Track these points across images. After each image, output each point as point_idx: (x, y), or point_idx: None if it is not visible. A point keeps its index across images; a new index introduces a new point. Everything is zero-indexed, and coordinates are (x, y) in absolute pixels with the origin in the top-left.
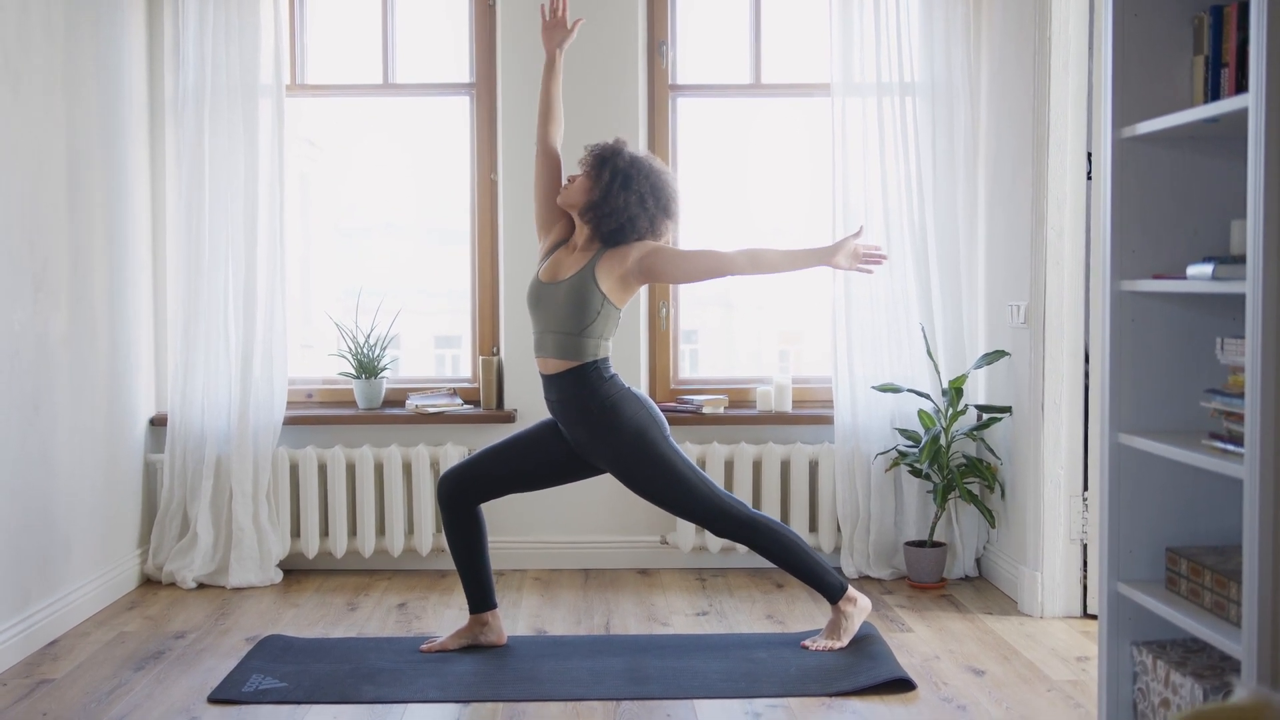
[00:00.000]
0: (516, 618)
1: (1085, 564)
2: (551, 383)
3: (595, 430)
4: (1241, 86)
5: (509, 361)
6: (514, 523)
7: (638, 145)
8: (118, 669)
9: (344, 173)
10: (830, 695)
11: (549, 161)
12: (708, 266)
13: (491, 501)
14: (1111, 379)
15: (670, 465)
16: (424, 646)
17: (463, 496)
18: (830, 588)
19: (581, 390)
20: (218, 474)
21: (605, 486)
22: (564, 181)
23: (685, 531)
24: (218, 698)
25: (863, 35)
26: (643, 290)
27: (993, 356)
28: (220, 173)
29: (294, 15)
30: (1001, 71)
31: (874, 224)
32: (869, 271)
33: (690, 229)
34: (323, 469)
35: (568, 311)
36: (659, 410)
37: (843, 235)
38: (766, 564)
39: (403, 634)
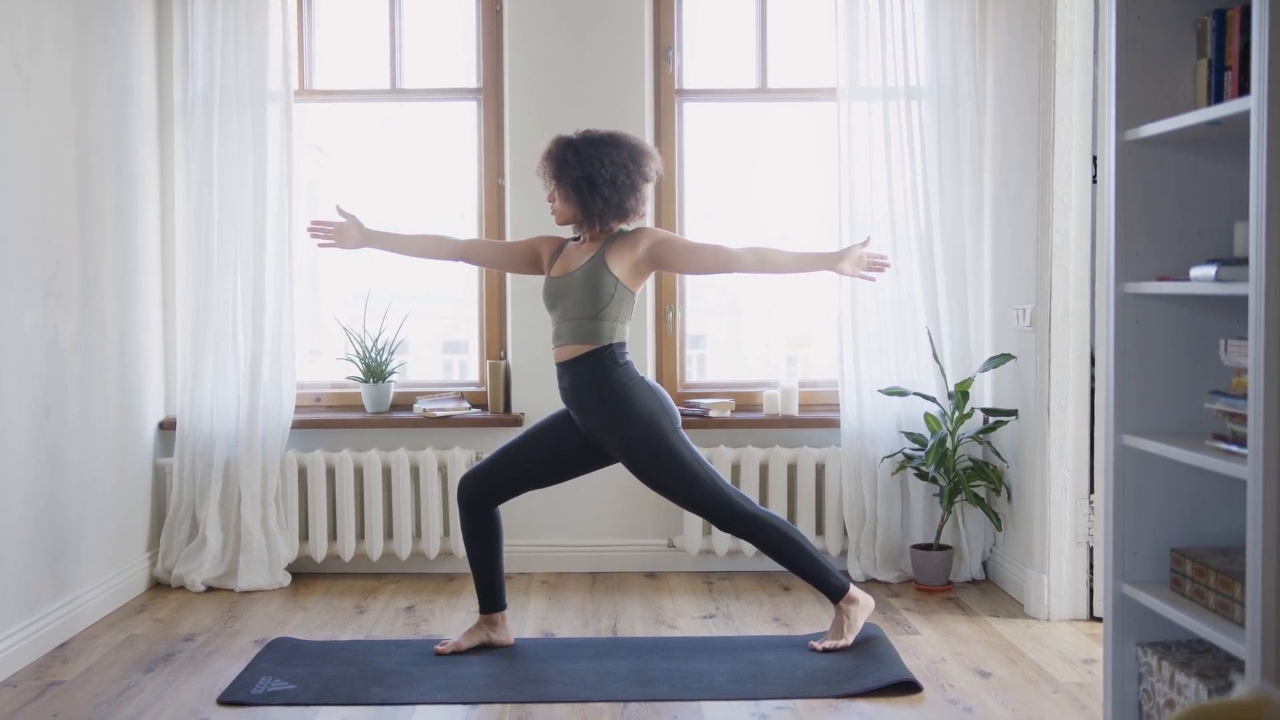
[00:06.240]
0: (524, 620)
1: (1091, 567)
2: (566, 369)
3: (608, 416)
4: (1244, 89)
5: (516, 366)
6: (522, 526)
7: None
8: (127, 671)
9: (352, 177)
10: (837, 697)
11: (481, 252)
12: (714, 261)
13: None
14: (1116, 381)
15: (679, 456)
16: (439, 648)
17: (484, 498)
18: (833, 587)
19: (596, 374)
20: (226, 477)
21: (612, 490)
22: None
23: (692, 535)
24: (227, 700)
25: (868, 40)
26: (649, 295)
27: (999, 360)
28: (229, 178)
29: (302, 21)
30: (1007, 75)
31: (880, 228)
32: (872, 279)
33: (698, 230)
34: (331, 472)
35: (583, 296)
36: (671, 401)
37: (849, 240)
38: (773, 567)
39: (411, 636)
